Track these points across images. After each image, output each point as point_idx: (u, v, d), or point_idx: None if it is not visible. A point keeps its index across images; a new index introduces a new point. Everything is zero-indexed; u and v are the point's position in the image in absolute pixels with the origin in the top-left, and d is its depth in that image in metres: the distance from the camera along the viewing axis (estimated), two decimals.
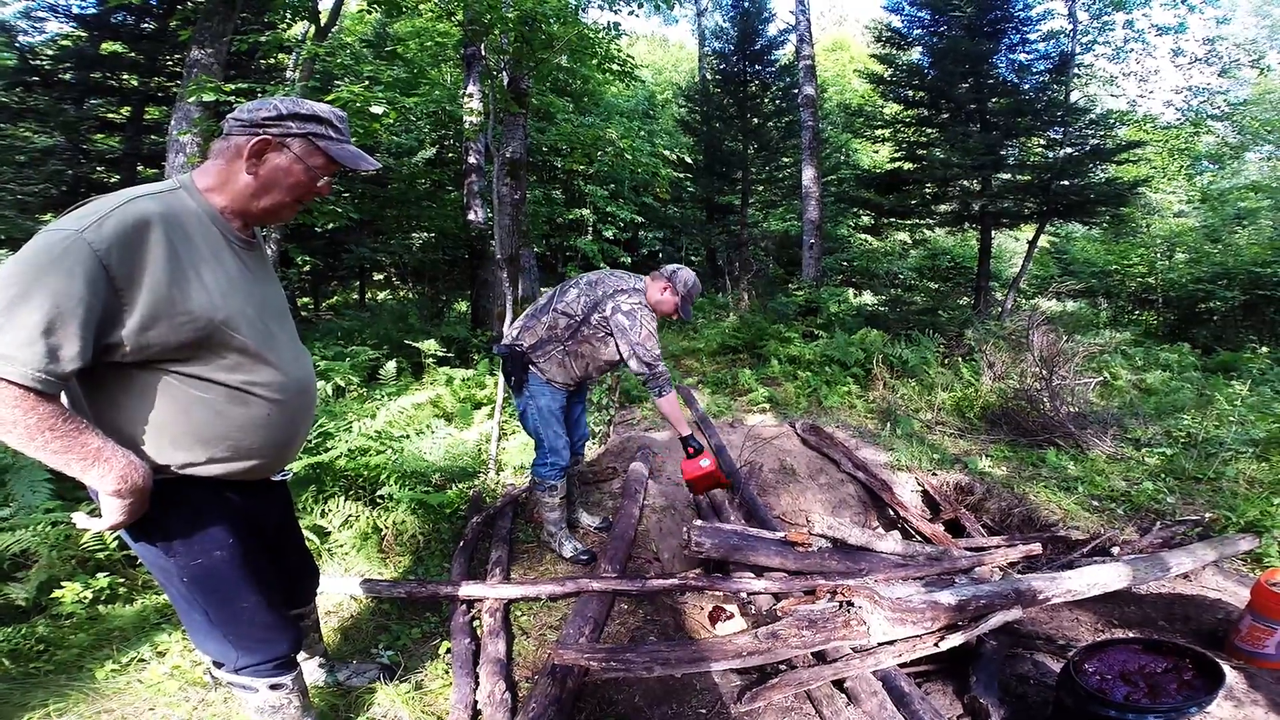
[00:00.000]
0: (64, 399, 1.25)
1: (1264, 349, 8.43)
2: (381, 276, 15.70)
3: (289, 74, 7.45)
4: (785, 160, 14.09)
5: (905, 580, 2.65)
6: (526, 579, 2.81)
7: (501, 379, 4.56)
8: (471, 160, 7.66)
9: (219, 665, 1.61)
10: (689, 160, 14.57)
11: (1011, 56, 10.06)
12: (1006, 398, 6.00)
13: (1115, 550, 3.26)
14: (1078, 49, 11.00)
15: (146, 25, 9.00)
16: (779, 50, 14.25)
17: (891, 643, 2.08)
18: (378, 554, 3.04)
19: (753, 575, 2.61)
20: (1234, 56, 15.84)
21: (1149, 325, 11.09)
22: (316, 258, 10.31)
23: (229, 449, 1.41)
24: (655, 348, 2.78)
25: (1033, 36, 10.18)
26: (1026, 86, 9.94)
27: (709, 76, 16.19)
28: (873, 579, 2.56)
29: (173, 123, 4.83)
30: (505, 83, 4.87)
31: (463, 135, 7.39)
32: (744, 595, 2.62)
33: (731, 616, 2.54)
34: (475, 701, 1.98)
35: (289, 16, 5.96)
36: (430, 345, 6.76)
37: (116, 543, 2.59)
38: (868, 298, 13.58)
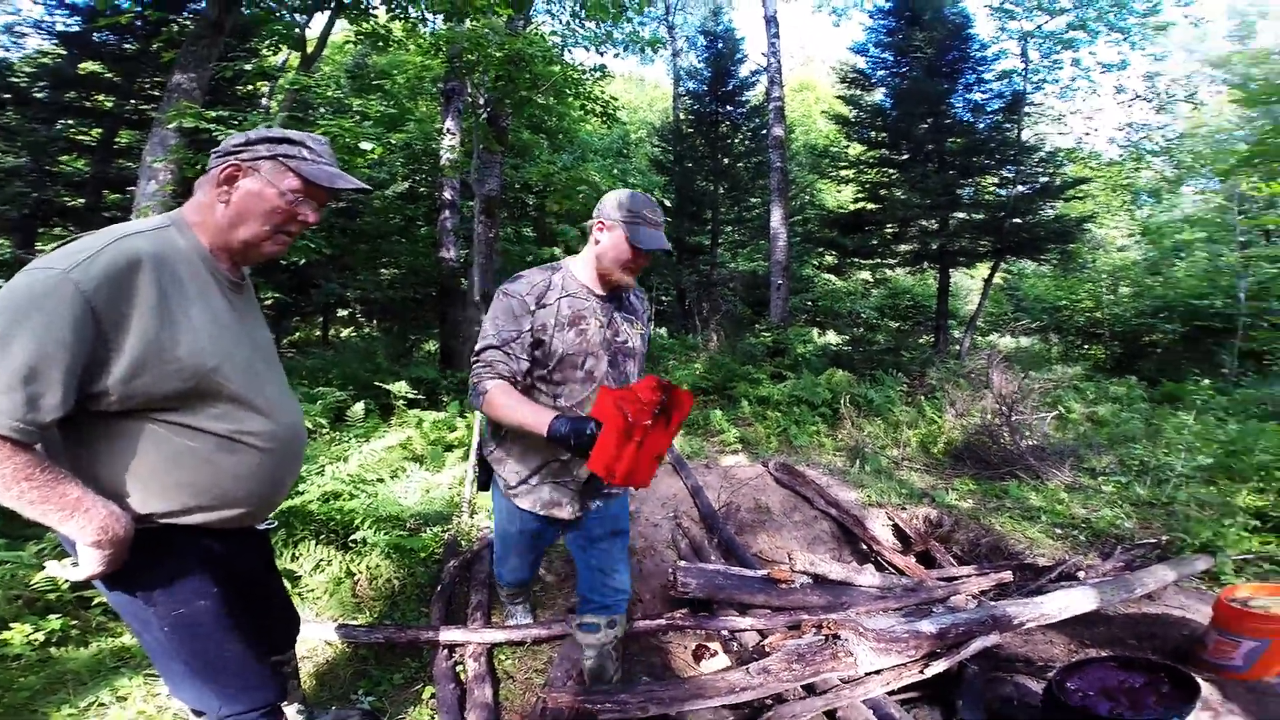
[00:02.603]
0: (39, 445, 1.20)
1: (1205, 381, 8.88)
2: (346, 313, 15.49)
3: (265, 101, 7.43)
4: (753, 200, 14.40)
5: (886, 612, 2.69)
6: (510, 623, 2.76)
7: (479, 418, 4.52)
8: (446, 196, 7.70)
9: (199, 715, 1.54)
10: (666, 203, 14.89)
11: (968, 96, 10.55)
12: (969, 434, 6.20)
13: (1081, 575, 3.37)
14: (1029, 88, 11.65)
15: (129, 46, 8.82)
16: (750, 91, 14.71)
17: (878, 672, 2.12)
18: (351, 599, 2.96)
19: (737, 613, 2.63)
20: (1171, 92, 16.98)
21: (1097, 359, 11.61)
22: (282, 293, 10.14)
23: (216, 499, 1.37)
24: (491, 332, 1.85)
25: (988, 76, 10.73)
26: (981, 126, 10.42)
27: (682, 116, 16.56)
28: (855, 612, 2.60)
29: (147, 148, 4.72)
30: (486, 119, 4.96)
31: (437, 171, 7.45)
32: (726, 633, 2.62)
33: (715, 654, 2.54)
34: None
35: (274, 45, 5.95)
36: (400, 387, 6.67)
37: (68, 584, 2.48)
38: (832, 337, 13.89)
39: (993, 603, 2.76)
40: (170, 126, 4.53)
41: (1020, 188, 10.30)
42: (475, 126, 4.18)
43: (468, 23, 4.16)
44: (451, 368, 7.92)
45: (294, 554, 3.09)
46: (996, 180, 10.67)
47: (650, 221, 1.88)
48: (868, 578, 3.05)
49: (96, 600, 2.57)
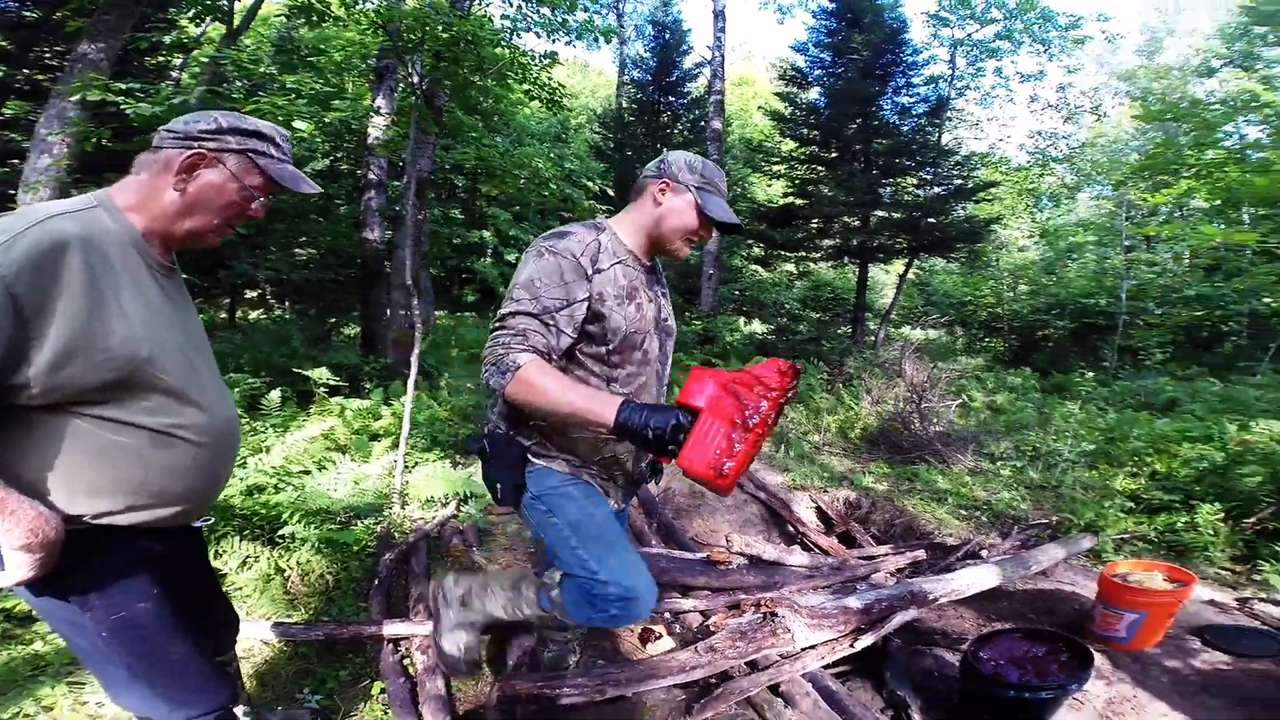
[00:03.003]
0: None
1: (1089, 374, 9.79)
2: (255, 294, 14.59)
3: (175, 74, 6.85)
4: None
5: (815, 590, 2.88)
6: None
7: (409, 407, 4.40)
8: (372, 176, 7.39)
9: None
10: (610, 192, 14.80)
11: (896, 99, 11.06)
12: (883, 420, 6.61)
13: (984, 553, 3.69)
14: (952, 93, 12.34)
15: (29, 14, 8.00)
16: (692, 83, 14.85)
17: (813, 647, 2.27)
18: (284, 596, 2.88)
19: (680, 595, 2.73)
20: (1078, 104, 18.44)
21: (997, 351, 12.56)
22: (188, 273, 9.42)
23: (151, 496, 1.31)
24: (526, 296, 1.50)
25: (916, 80, 11.30)
26: (906, 128, 10.98)
27: (625, 104, 16.51)
28: (788, 590, 2.76)
29: (42, 120, 4.30)
30: (423, 100, 4.80)
31: (364, 149, 7.12)
32: (669, 615, 2.73)
33: (660, 636, 2.64)
34: None
35: (198, 16, 5.43)
36: (321, 373, 6.38)
37: None
38: (757, 326, 14.35)
39: (909, 580, 2.99)
40: (73, 99, 4.16)
41: (936, 189, 10.94)
42: (414, 106, 4.03)
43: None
44: (374, 353, 7.63)
45: (217, 550, 2.96)
46: (915, 181, 11.29)
47: (721, 192, 1.69)
48: (798, 557, 3.23)
49: None
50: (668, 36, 15.05)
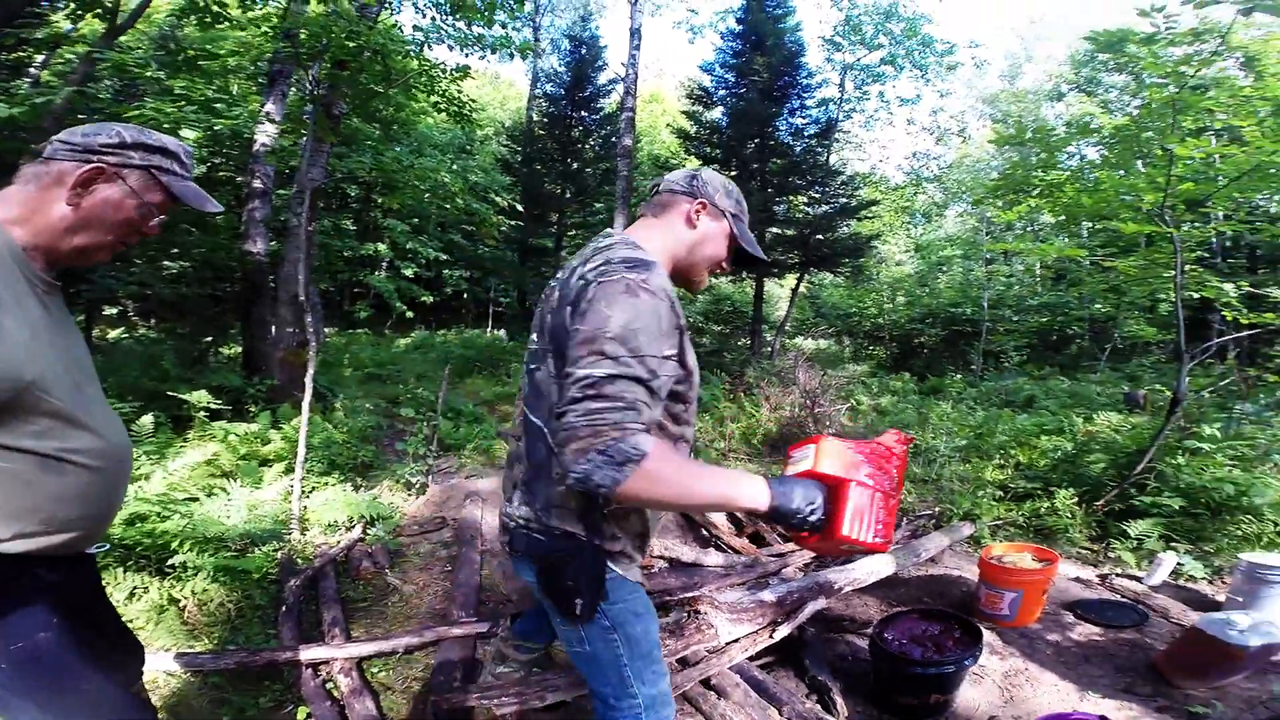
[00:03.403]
0: None
1: (959, 376, 10.80)
2: (114, 311, 13.21)
3: (34, 70, 6.09)
4: (598, 205, 14.67)
5: (732, 587, 3.02)
6: (377, 635, 2.67)
7: (304, 429, 4.15)
8: (257, 185, 6.93)
9: None
10: (519, 207, 14.53)
11: (791, 120, 11.68)
12: (781, 424, 7.00)
13: None
14: (841, 116, 13.20)
15: None
16: (605, 99, 14.91)
17: (736, 640, 2.39)
18: (182, 626, 2.69)
19: None
20: (948, 127, 20.32)
21: (880, 358, 13.60)
22: None
23: (42, 523, 1.23)
24: (627, 353, 1.13)
25: (810, 103, 11.97)
26: (799, 148, 11.60)
27: (535, 117, 16.32)
28: (708, 589, 2.88)
29: None
30: (321, 108, 4.59)
31: (248, 156, 6.66)
32: None
33: None
34: None
35: (75, 12, 4.79)
36: (201, 396, 5.89)
37: None
38: None
39: (816, 572, 3.20)
40: None
41: (825, 207, 11.69)
42: (312, 114, 3.86)
43: (313, 3, 3.83)
44: (259, 374, 7.09)
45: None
46: (805, 199, 11.98)
47: (747, 221, 1.54)
48: (714, 558, 3.38)
49: None
50: (584, 52, 15.06)
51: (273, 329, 6.99)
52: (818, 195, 11.74)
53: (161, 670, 2.30)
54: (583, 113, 14.71)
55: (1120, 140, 4.35)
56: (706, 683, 2.24)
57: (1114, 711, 2.31)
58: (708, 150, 11.68)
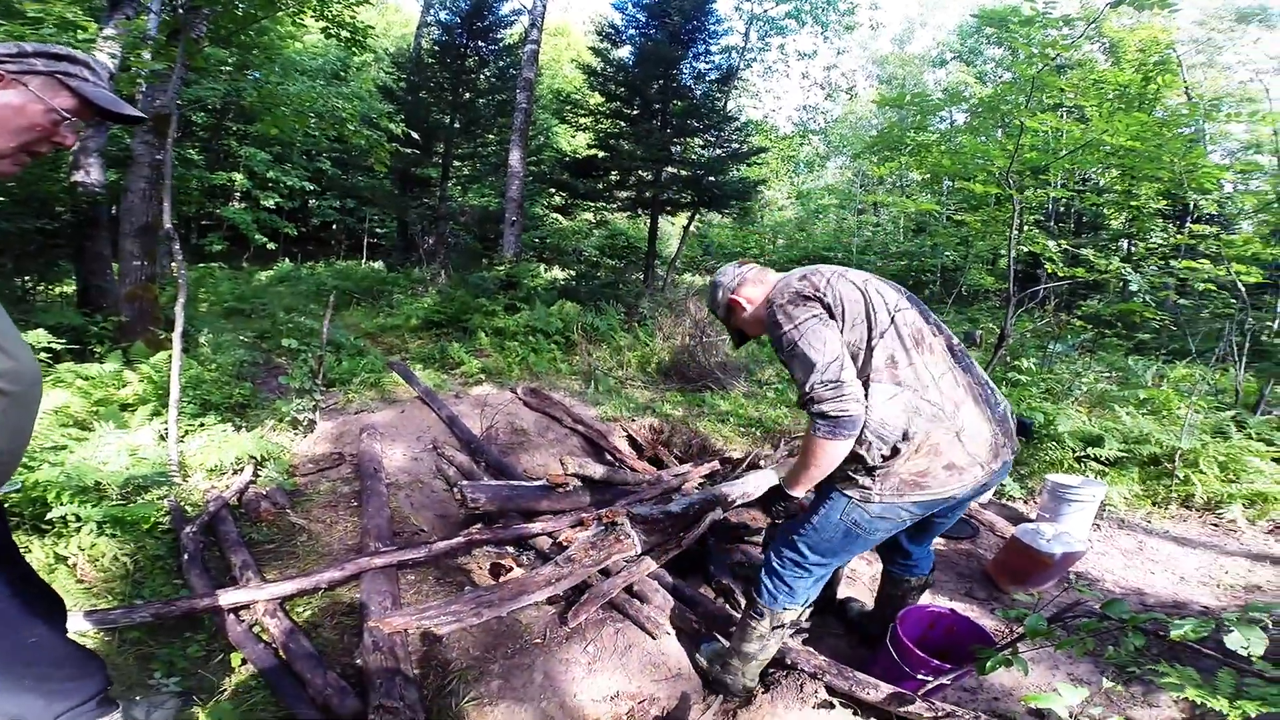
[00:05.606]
0: None
1: None
2: None
3: None
4: (490, 138, 14.01)
5: (641, 502, 3.30)
6: (294, 574, 2.69)
7: (178, 364, 3.86)
8: None
9: None
10: (411, 135, 13.41)
11: (695, 64, 11.58)
12: (674, 353, 7.35)
13: (763, 462, 4.45)
14: (742, 64, 13.26)
15: None
16: (506, 29, 13.96)
17: (650, 550, 2.67)
18: (78, 585, 2.55)
19: (525, 520, 2.97)
20: (839, 84, 21.00)
21: None
22: None
23: None
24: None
25: (715, 49, 11.91)
26: (699, 93, 11.61)
27: (425, 45, 15.06)
28: (620, 504, 3.14)
29: None
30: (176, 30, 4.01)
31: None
32: (513, 551, 2.94)
33: (511, 569, 2.84)
34: (313, 697, 1.95)
35: None
36: (40, 336, 5.21)
37: None
38: (558, 272, 14.57)
39: (711, 488, 3.56)
40: None
41: (718, 151, 11.89)
42: (182, 39, 3.41)
43: None
44: (100, 311, 6.33)
45: None
46: (701, 142, 12.10)
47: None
48: (624, 475, 3.65)
49: None
50: None
51: (114, 264, 6.29)
52: (713, 139, 11.90)
53: (73, 631, 2.20)
54: (479, 42, 13.70)
55: (985, 109, 4.84)
56: (630, 590, 2.51)
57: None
58: (612, 88, 11.45)
